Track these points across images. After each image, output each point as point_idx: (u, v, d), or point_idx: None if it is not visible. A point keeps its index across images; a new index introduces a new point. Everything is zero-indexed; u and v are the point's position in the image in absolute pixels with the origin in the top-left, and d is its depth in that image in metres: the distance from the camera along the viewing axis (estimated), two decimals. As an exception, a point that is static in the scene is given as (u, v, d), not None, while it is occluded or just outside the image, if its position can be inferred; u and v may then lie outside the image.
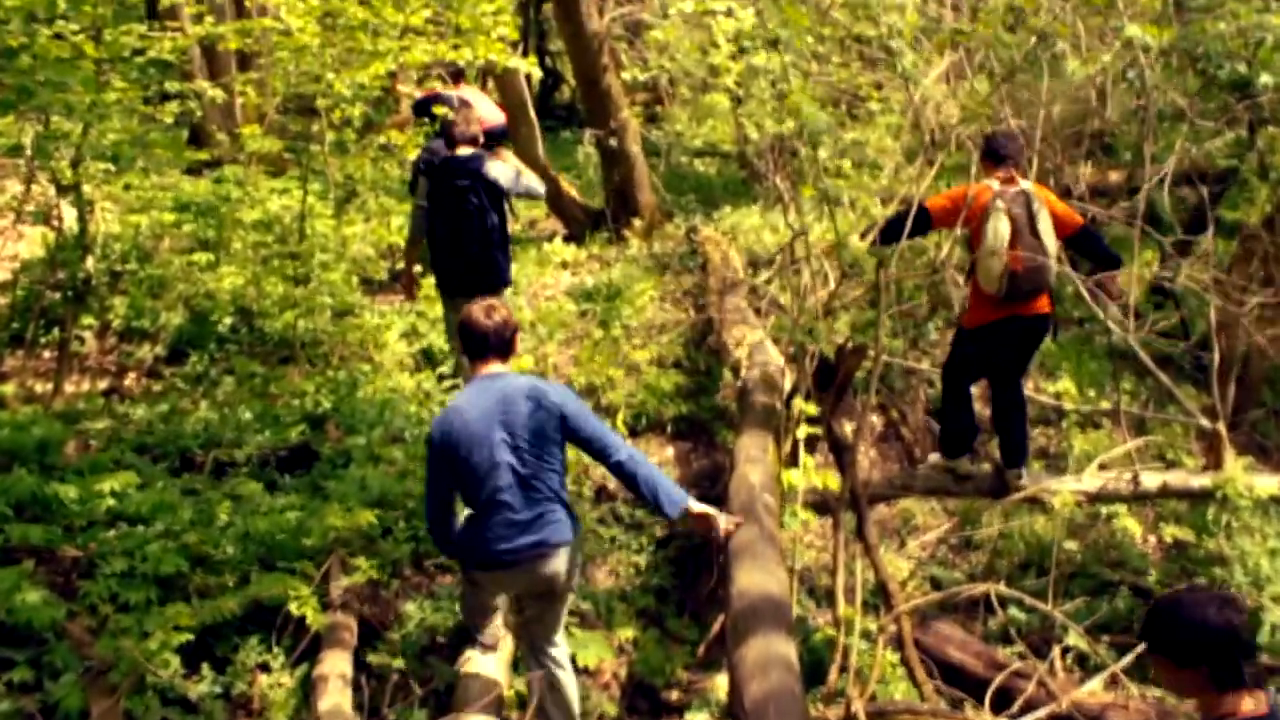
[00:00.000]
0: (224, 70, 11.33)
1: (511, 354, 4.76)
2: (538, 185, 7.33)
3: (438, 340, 8.58)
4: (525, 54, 9.85)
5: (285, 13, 7.85)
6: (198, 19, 8.45)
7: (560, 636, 4.94)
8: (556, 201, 11.74)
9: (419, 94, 9.11)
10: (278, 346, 8.35)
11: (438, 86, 9.74)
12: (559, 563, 4.65)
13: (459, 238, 6.97)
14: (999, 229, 5.99)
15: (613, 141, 10.92)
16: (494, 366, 4.68)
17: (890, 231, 6.29)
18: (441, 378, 8.08)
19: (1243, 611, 3.17)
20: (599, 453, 4.67)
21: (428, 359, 8.58)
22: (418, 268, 7.83)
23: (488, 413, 4.53)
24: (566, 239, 11.39)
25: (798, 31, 6.50)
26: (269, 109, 10.43)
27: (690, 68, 10.98)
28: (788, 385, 6.68)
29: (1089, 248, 6.49)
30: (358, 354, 8.47)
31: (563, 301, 9.57)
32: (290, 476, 6.66)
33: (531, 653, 4.92)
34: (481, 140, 7.19)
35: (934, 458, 6.87)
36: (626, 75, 9.88)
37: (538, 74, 8.43)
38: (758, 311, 8.82)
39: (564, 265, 10.59)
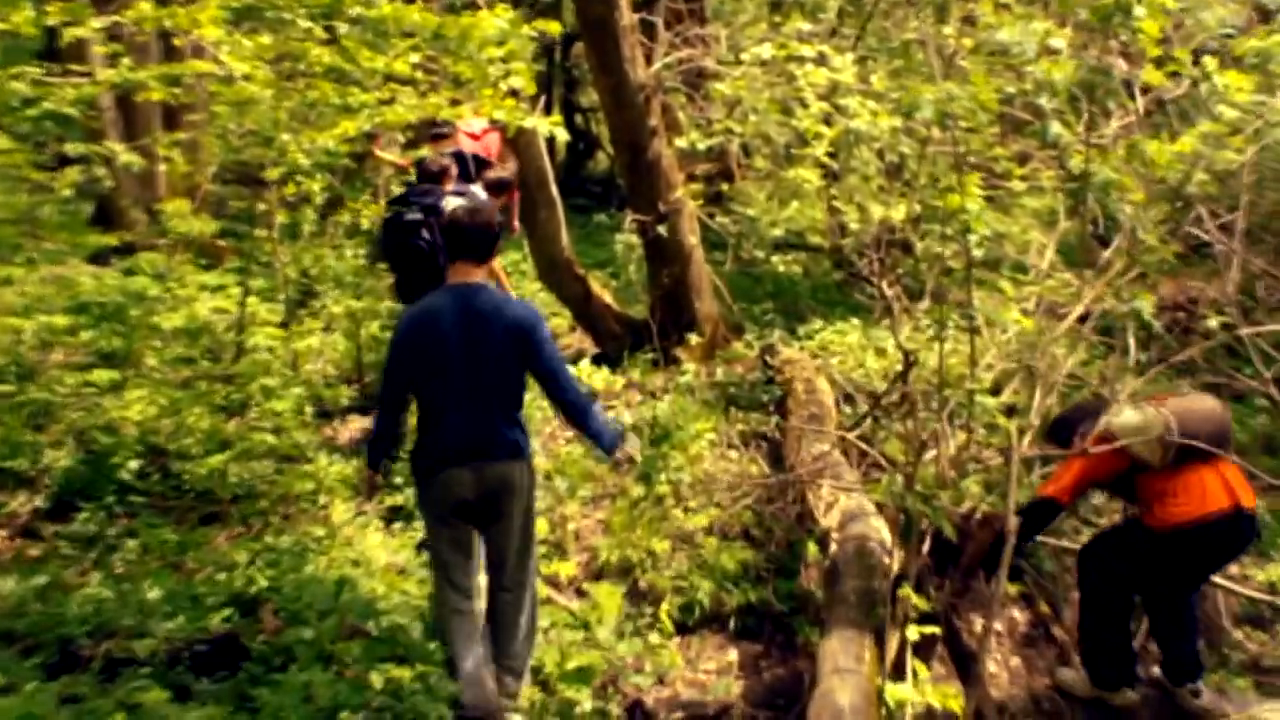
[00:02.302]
0: (144, 128, 11.40)
1: (490, 258, 6.22)
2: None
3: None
4: (547, 111, 9.91)
5: (226, 55, 7.91)
6: (111, 60, 8.44)
7: (526, 564, 6.44)
8: (584, 309, 11.64)
9: (401, 162, 9.18)
10: (200, 501, 8.31)
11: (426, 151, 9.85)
12: (508, 470, 6.16)
13: (409, 284, 7.54)
14: (1129, 409, 6.52)
15: (663, 229, 10.84)
16: (471, 271, 6.13)
17: (1028, 532, 6.70)
18: (423, 546, 7.99)
19: None
20: (550, 387, 6.18)
21: (405, 519, 8.49)
22: None
23: (459, 322, 5.98)
24: (597, 360, 11.26)
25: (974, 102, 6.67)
26: (202, 179, 10.46)
27: (769, 132, 10.91)
28: (895, 567, 6.63)
29: None
30: (309, 513, 8.42)
31: (590, 445, 9.15)
32: (208, 680, 6.43)
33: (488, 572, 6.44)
34: (452, 174, 7.87)
35: (1069, 676, 6.82)
36: (683, 141, 9.82)
37: (563, 137, 8.41)
38: (858, 462, 8.74)
39: (591, 396, 10.21)
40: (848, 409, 9.91)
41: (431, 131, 9.84)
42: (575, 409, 6.22)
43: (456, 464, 6.10)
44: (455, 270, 6.14)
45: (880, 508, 7.79)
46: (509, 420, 6.16)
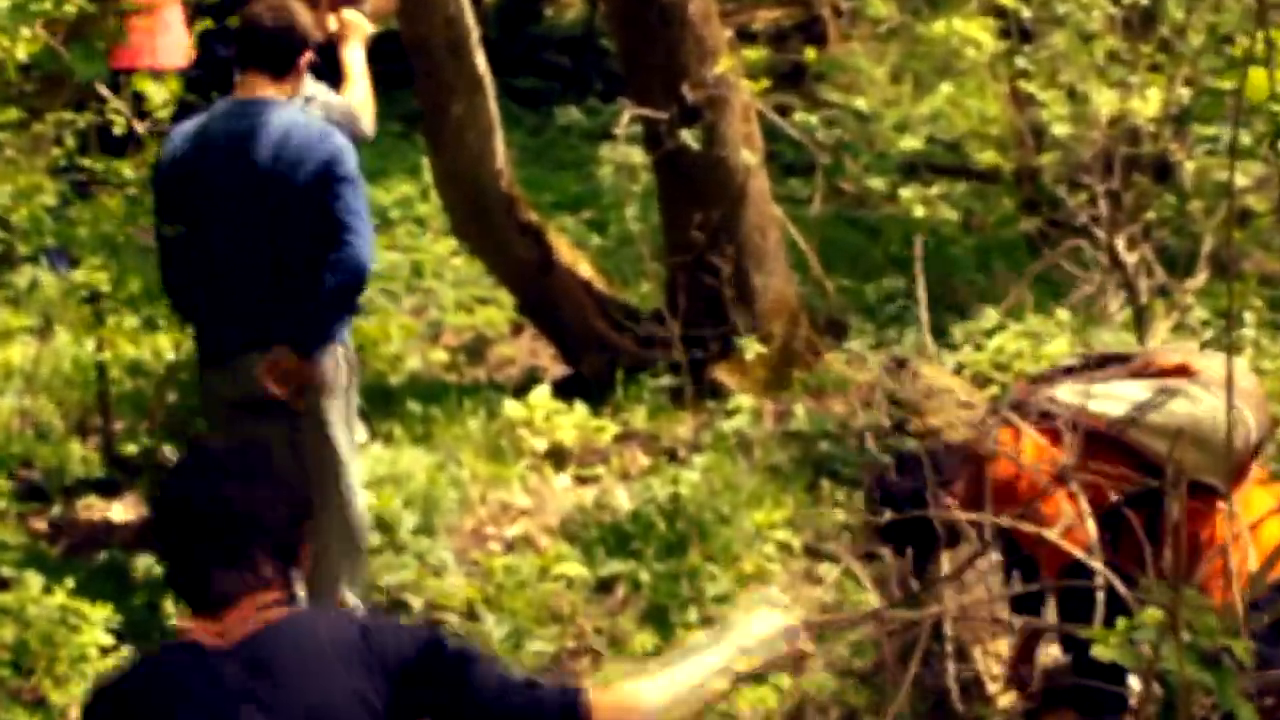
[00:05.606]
0: None
1: (290, 75, 6.03)
2: (364, 123, 7.26)
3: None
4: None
5: None
6: None
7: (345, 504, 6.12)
8: (540, 289, 9.65)
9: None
10: None
11: None
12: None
13: None
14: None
15: (690, 136, 8.76)
16: (262, 86, 5.92)
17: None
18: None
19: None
20: (335, 243, 5.83)
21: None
22: None
23: (241, 151, 5.72)
24: (565, 387, 9.26)
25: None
26: None
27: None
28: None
29: None
30: (6, 685, 6.86)
31: (551, 553, 7.95)
32: None
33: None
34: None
35: None
36: (728, -28, 8.43)
37: (497, -34, 6.84)
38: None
39: (554, 457, 8.70)
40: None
41: None
42: (347, 289, 5.74)
43: (213, 362, 5.91)
44: (242, 84, 5.86)
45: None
46: (291, 297, 5.70)
